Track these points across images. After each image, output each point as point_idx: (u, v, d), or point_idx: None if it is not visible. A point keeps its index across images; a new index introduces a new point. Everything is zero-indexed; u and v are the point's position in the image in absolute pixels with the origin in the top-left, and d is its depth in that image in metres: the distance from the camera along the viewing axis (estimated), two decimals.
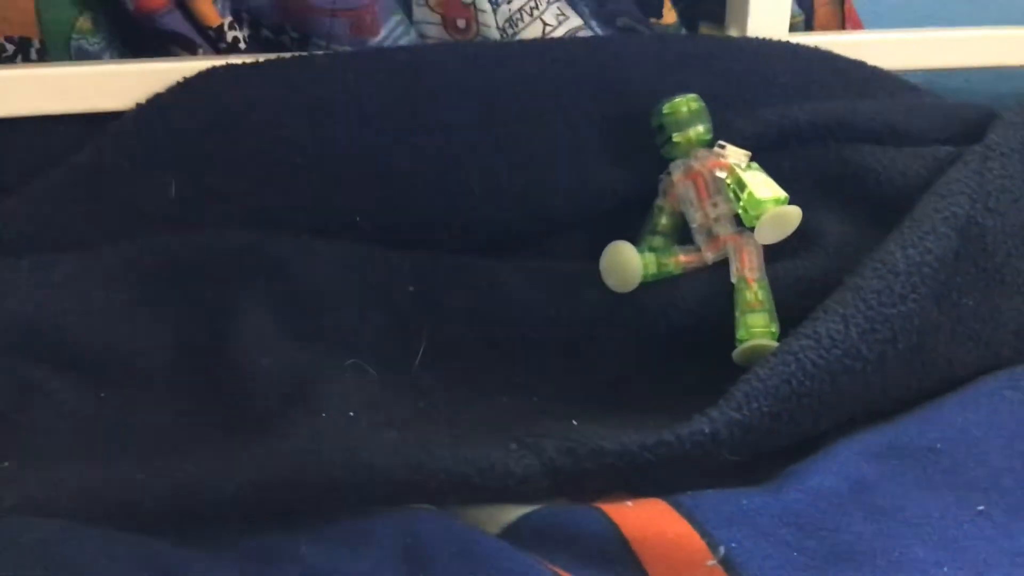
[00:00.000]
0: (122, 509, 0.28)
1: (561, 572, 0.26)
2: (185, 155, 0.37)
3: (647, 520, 0.28)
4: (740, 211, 0.37)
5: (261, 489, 0.29)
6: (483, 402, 0.36)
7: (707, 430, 0.30)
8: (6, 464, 0.30)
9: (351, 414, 0.32)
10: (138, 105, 0.38)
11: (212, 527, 0.29)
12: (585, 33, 0.45)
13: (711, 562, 0.26)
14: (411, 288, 0.38)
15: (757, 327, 0.35)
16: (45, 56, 0.40)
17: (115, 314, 0.35)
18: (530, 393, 0.36)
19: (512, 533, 0.29)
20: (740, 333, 0.36)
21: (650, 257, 0.37)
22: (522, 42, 0.42)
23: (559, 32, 0.45)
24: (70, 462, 0.30)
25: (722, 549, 0.26)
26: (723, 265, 0.38)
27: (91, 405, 0.32)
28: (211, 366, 0.35)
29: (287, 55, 0.40)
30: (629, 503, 0.29)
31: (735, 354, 0.36)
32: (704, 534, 0.27)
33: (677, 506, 0.29)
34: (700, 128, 0.39)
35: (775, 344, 0.34)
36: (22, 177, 0.38)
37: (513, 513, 0.30)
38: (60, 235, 0.37)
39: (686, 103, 0.39)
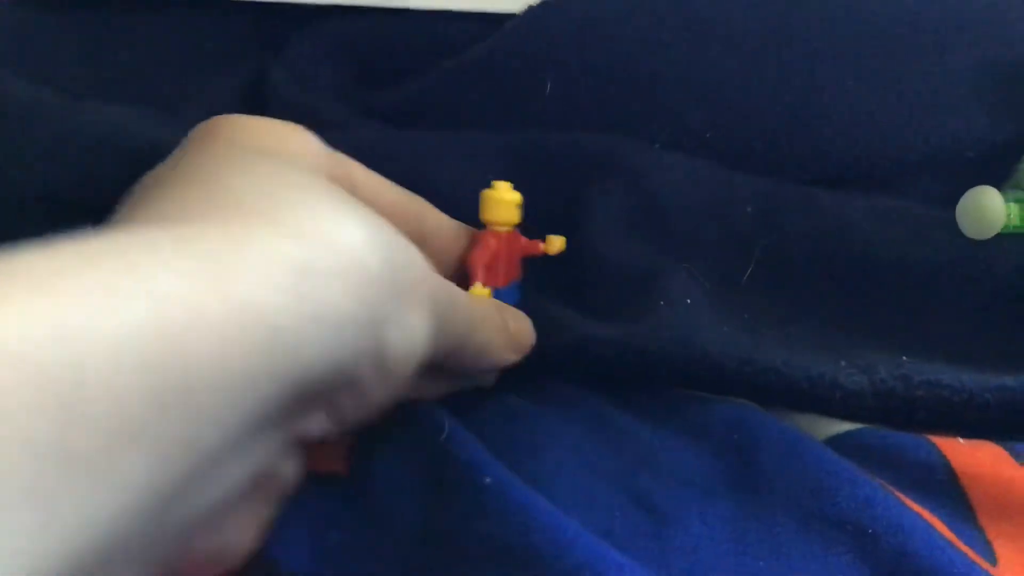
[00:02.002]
0: None
1: (887, 486, 0.27)
2: (564, 59, 0.40)
3: (980, 458, 0.28)
4: None
5: (605, 358, 0.32)
6: (810, 326, 0.36)
7: None
8: None
9: (688, 302, 0.34)
10: (530, 7, 0.41)
11: (548, 390, 0.32)
12: None
13: None
14: (749, 209, 0.39)
15: None
16: None
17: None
18: (860, 326, 0.36)
19: (834, 444, 0.30)
20: None
21: (1015, 207, 0.35)
22: None
23: None
24: None
25: None
26: None
27: None
28: (565, 250, 0.38)
29: None
30: (960, 440, 0.29)
31: None
32: None
33: (1013, 452, 0.28)
34: None
35: None
36: (418, 64, 0.43)
37: (837, 427, 0.31)
38: (446, 119, 0.42)
39: None
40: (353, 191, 0.29)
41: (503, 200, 0.34)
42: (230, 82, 0.44)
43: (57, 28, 0.44)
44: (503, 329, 0.30)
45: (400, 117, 0.42)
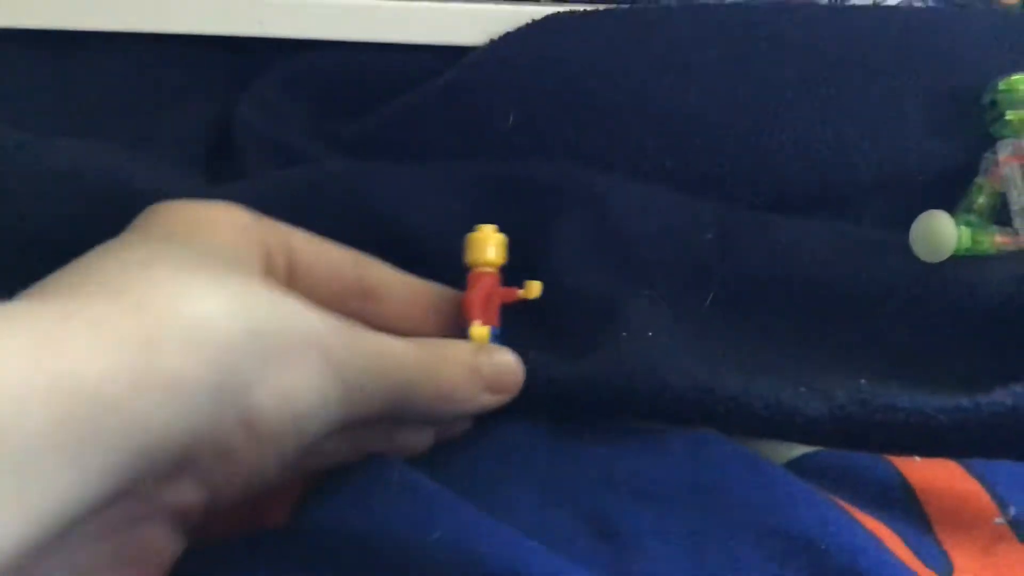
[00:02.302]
0: None
1: (846, 505, 0.28)
2: (524, 90, 0.41)
3: (935, 474, 0.28)
4: None
5: (568, 397, 0.32)
6: (771, 350, 0.37)
7: (1009, 403, 0.30)
8: None
9: (649, 334, 0.34)
10: (491, 40, 0.42)
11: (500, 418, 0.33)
12: (919, 5, 0.44)
13: (999, 520, 0.26)
14: (709, 236, 0.40)
15: None
16: None
17: (454, 219, 0.39)
18: (819, 349, 0.37)
19: (793, 467, 0.31)
20: None
21: (965, 231, 0.36)
22: (854, 7, 0.42)
23: (892, 1, 0.44)
24: None
25: (1012, 509, 0.26)
26: None
27: None
28: (528, 278, 0.39)
29: (623, 6, 0.43)
30: (916, 459, 0.30)
31: None
32: (994, 495, 0.27)
33: (967, 467, 0.29)
34: None
35: None
36: (384, 96, 0.44)
37: (796, 450, 0.31)
38: (410, 150, 0.42)
39: None
40: (291, 257, 0.30)
41: (490, 241, 0.35)
42: (198, 117, 0.44)
43: (25, 65, 0.44)
44: (473, 371, 0.30)
45: (366, 149, 0.43)
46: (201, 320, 0.21)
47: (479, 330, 0.33)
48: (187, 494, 0.22)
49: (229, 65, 0.45)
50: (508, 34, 0.42)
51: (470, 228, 0.40)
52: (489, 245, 0.35)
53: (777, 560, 0.26)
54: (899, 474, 0.29)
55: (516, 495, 0.28)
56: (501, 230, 0.40)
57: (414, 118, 0.42)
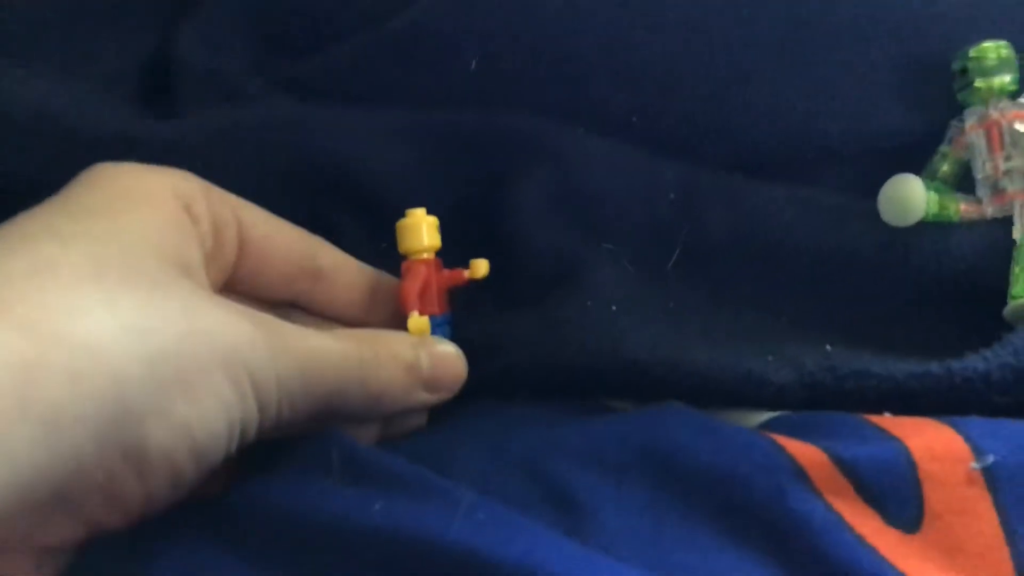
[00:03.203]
0: None
1: (803, 474, 0.27)
2: (488, 34, 0.39)
3: (907, 420, 0.28)
4: None
5: (530, 368, 0.31)
6: (734, 315, 0.36)
7: (980, 368, 0.29)
8: None
9: (613, 308, 0.33)
10: None
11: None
12: None
13: (975, 465, 0.26)
14: (672, 196, 0.39)
15: None
16: None
17: (408, 170, 0.37)
18: (781, 315, 0.37)
19: (764, 428, 0.30)
20: (1015, 290, 0.34)
21: (934, 196, 0.36)
22: None
23: None
24: None
25: (991, 457, 0.26)
26: (1004, 221, 0.37)
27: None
28: (487, 234, 0.37)
29: None
30: (887, 414, 0.29)
31: (1007, 311, 0.34)
32: (968, 439, 0.27)
33: (939, 419, 0.28)
34: (1007, 78, 0.38)
35: None
36: (331, 33, 0.41)
37: (766, 415, 0.31)
38: (363, 93, 0.40)
39: (996, 49, 0.38)
40: (243, 233, 0.29)
41: (422, 226, 0.33)
42: (134, 49, 0.41)
43: None
44: (411, 368, 0.29)
45: (317, 89, 0.40)
46: (90, 347, 0.19)
47: (417, 321, 0.31)
48: (60, 532, 0.21)
49: None
50: None
51: (425, 178, 0.38)
52: (421, 230, 0.33)
53: (735, 535, 0.25)
54: (870, 423, 0.28)
55: (465, 462, 0.27)
56: (458, 183, 0.39)
57: (368, 59, 0.40)
